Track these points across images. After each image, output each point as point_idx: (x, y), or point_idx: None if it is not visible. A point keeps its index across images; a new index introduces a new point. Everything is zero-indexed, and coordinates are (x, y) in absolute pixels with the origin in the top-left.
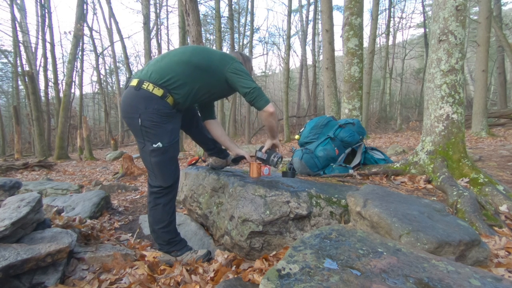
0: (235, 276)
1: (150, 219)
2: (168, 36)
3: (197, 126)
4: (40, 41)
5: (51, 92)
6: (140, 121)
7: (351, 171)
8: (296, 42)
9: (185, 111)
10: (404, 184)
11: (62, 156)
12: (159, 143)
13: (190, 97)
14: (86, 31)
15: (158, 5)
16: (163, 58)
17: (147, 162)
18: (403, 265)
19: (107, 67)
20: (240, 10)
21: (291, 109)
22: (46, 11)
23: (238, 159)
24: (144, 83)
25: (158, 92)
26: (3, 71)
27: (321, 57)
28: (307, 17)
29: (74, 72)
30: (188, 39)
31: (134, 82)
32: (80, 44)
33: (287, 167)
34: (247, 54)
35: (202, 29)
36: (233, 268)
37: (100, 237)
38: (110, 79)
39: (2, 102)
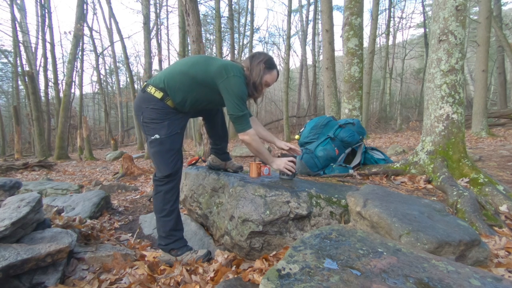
0: (235, 276)
1: (154, 207)
2: (168, 36)
3: (213, 118)
4: (40, 41)
5: (51, 92)
6: (142, 118)
7: (351, 171)
8: (296, 42)
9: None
10: (404, 184)
11: (62, 156)
12: (156, 135)
13: (188, 104)
14: (86, 31)
15: (158, 5)
16: (170, 66)
17: (150, 153)
18: (403, 265)
19: (107, 67)
20: (240, 10)
21: (291, 109)
22: (46, 11)
23: (240, 169)
24: (149, 87)
25: (158, 94)
26: (3, 71)
27: (321, 57)
28: (307, 17)
29: (74, 72)
30: (188, 39)
31: (143, 86)
32: (80, 44)
33: None
34: (254, 50)
35: (202, 29)
36: (233, 268)
37: (100, 237)
38: (110, 79)
39: (2, 102)
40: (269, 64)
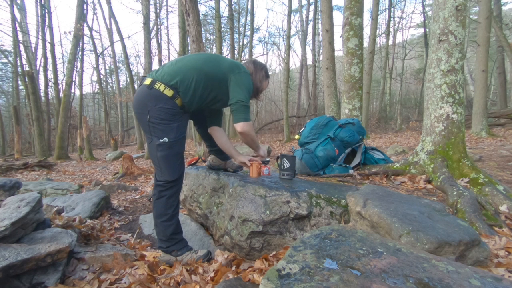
0: (235, 276)
1: (154, 212)
2: (168, 36)
3: (205, 122)
4: (40, 41)
5: (51, 92)
6: (148, 117)
7: (351, 171)
8: (296, 42)
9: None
10: (404, 184)
11: (62, 156)
12: (165, 138)
13: (196, 102)
14: (86, 31)
15: (158, 5)
16: (177, 62)
17: (154, 156)
18: (403, 265)
19: (107, 67)
20: (240, 10)
21: (291, 109)
22: (46, 11)
23: (240, 169)
24: (157, 83)
25: (169, 92)
26: (3, 71)
27: (321, 57)
28: (307, 17)
29: (74, 72)
30: (188, 39)
31: (147, 81)
32: (80, 44)
33: None
34: (252, 57)
35: (202, 29)
36: (233, 268)
37: (100, 237)
38: (110, 79)
39: (2, 102)
40: (266, 73)
